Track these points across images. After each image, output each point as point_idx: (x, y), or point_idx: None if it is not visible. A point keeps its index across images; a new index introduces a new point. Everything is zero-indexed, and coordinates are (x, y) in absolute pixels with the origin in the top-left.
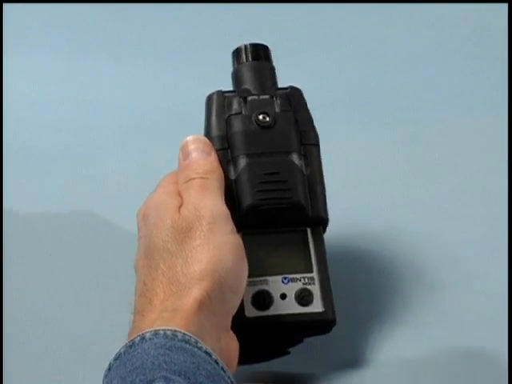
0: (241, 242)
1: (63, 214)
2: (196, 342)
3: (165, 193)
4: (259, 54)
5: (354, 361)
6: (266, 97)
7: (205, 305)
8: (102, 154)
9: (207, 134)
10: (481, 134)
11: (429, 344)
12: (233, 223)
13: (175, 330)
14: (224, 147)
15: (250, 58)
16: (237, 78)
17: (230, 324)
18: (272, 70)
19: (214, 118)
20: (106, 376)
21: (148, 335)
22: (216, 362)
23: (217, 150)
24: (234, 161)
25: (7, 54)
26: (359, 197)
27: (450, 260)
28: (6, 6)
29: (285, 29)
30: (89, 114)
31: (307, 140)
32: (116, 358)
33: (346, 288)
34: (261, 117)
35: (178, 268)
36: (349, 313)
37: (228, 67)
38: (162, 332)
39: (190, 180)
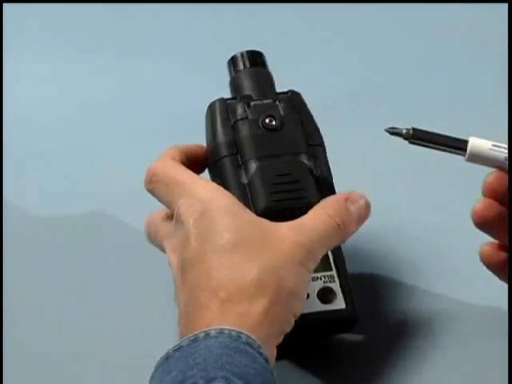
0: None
1: (63, 215)
2: (259, 347)
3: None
4: (256, 61)
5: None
6: (269, 101)
7: (270, 314)
8: (102, 154)
9: (213, 141)
10: (481, 133)
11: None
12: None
13: (240, 332)
14: (233, 152)
15: (247, 65)
16: (236, 85)
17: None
18: (269, 75)
19: (219, 125)
20: (161, 364)
21: (213, 333)
22: (271, 372)
23: (225, 156)
24: (245, 165)
25: (7, 54)
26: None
27: (451, 259)
28: (5, 5)
29: (285, 29)
30: (89, 114)
31: (313, 141)
32: (176, 349)
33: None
34: (267, 120)
35: (237, 282)
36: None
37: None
38: (227, 332)
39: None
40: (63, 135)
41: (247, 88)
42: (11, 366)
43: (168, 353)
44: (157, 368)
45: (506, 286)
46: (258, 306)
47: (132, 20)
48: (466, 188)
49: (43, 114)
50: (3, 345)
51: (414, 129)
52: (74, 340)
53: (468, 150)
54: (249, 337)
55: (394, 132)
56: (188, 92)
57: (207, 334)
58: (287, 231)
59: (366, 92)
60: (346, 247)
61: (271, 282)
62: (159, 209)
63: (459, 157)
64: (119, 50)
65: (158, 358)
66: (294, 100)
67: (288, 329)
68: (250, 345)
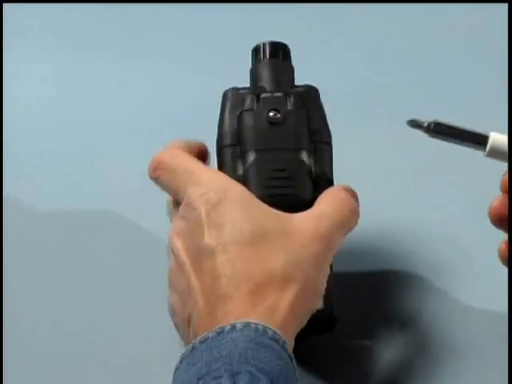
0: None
1: (63, 214)
2: (284, 344)
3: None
4: (277, 52)
5: (355, 360)
6: (280, 94)
7: (295, 309)
8: (102, 154)
9: (219, 129)
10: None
11: (432, 344)
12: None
13: (266, 327)
14: (233, 143)
15: (267, 56)
16: (254, 75)
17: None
18: (289, 68)
19: (226, 114)
20: (186, 356)
21: (239, 326)
22: (294, 368)
23: (227, 146)
24: (243, 156)
25: (7, 54)
26: (361, 195)
27: (450, 258)
28: (5, 5)
29: (285, 29)
30: (89, 114)
31: (318, 138)
32: (202, 341)
33: (346, 287)
34: (271, 113)
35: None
36: (350, 311)
37: (229, 68)
38: (253, 326)
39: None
40: (63, 135)
41: (263, 79)
42: (11, 366)
43: (194, 344)
44: (182, 359)
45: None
46: (285, 301)
47: (132, 20)
48: (466, 188)
49: (43, 113)
50: (3, 345)
51: (435, 122)
52: (74, 340)
53: (488, 145)
54: (275, 332)
55: (415, 124)
56: (188, 92)
57: (233, 327)
58: (305, 222)
59: (366, 92)
60: (344, 247)
61: (297, 276)
62: (159, 208)
63: (459, 156)
64: (119, 50)
65: (159, 358)
66: (305, 95)
67: (304, 324)
68: (276, 340)
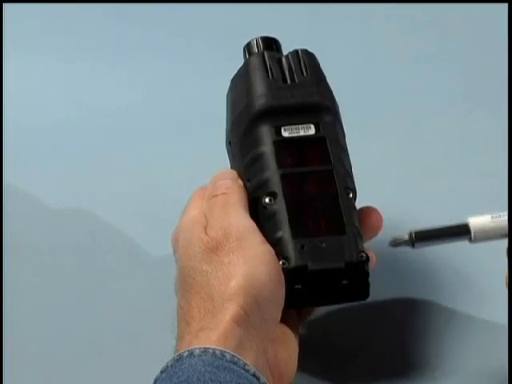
0: (271, 250)
1: (62, 214)
2: (244, 365)
3: (191, 216)
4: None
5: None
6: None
7: (242, 320)
8: (101, 154)
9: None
10: (481, 134)
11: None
12: (261, 234)
13: (224, 351)
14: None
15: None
16: None
17: (275, 334)
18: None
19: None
20: None
21: (197, 351)
22: None
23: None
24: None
25: (7, 53)
26: (359, 195)
27: (448, 260)
28: (5, 5)
29: (285, 29)
30: (89, 114)
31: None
32: (162, 371)
33: None
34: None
35: (211, 286)
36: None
37: (228, 68)
38: (211, 350)
39: (211, 198)
40: (63, 135)
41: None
42: (11, 366)
43: (156, 376)
44: None
45: None
46: (224, 316)
47: (132, 20)
48: (465, 189)
49: (43, 113)
50: (3, 345)
51: (415, 232)
52: (74, 340)
53: (472, 232)
54: (233, 355)
55: (397, 243)
56: (189, 92)
57: (191, 353)
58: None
59: (365, 92)
60: None
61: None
62: (159, 207)
63: (457, 159)
64: (119, 50)
65: (157, 359)
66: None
67: (271, 329)
68: (235, 362)
